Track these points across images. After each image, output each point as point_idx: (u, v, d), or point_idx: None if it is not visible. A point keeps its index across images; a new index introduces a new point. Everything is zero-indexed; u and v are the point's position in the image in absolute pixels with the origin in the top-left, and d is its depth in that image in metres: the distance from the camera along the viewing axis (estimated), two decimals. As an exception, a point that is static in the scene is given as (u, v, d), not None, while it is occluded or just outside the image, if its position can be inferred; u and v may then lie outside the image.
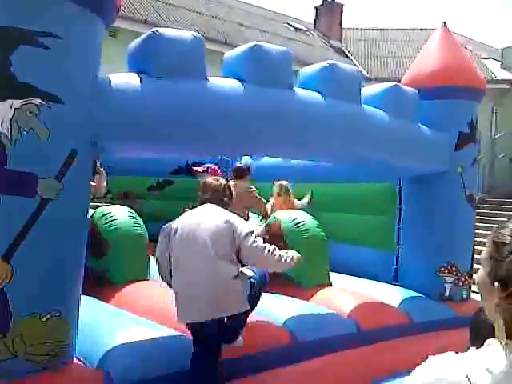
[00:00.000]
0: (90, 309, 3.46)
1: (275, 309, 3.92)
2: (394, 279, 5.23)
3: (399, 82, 4.82)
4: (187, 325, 3.05)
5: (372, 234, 5.53)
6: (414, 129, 4.63)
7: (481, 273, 1.06)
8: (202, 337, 2.98)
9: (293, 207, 5.82)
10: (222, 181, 3.31)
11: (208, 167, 5.15)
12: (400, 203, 5.24)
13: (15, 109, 2.53)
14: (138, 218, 4.73)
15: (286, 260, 3.11)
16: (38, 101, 2.57)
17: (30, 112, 2.55)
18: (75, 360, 2.94)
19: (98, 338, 3.12)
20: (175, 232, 3.02)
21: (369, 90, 4.49)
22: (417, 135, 4.64)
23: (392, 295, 4.70)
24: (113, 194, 6.53)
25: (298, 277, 4.65)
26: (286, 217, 4.90)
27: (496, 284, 0.99)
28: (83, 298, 3.02)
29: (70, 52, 2.68)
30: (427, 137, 4.74)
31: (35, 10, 2.56)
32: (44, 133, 2.59)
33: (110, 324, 3.35)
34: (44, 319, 2.66)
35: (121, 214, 4.62)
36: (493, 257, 1.02)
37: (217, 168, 5.23)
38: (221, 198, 3.19)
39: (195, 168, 5.16)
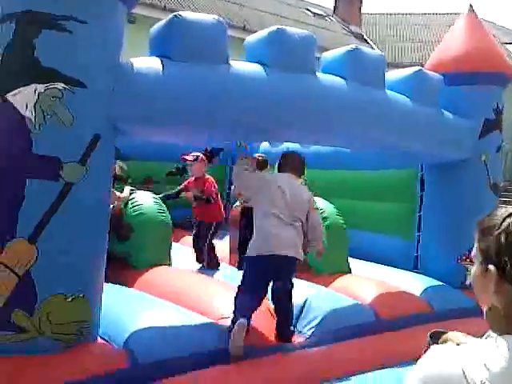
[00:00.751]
0: (114, 291, 3.52)
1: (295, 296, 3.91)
2: (415, 267, 5.19)
3: (422, 67, 4.74)
4: (268, 257, 3.35)
5: (392, 221, 5.50)
6: (438, 115, 4.56)
7: (473, 270, 1.03)
8: (278, 268, 3.38)
9: None
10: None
11: (197, 156, 5.19)
12: (421, 190, 5.19)
13: (39, 93, 2.56)
14: (163, 204, 4.78)
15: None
16: (61, 85, 2.59)
17: (54, 96, 2.58)
18: (99, 339, 2.99)
19: (122, 320, 3.17)
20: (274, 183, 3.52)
21: (392, 75, 4.42)
22: (440, 121, 4.57)
23: (412, 283, 4.67)
24: (133, 180, 6.57)
25: (317, 264, 4.65)
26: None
27: (491, 267, 0.96)
28: (107, 283, 3.07)
29: (93, 36, 2.70)
30: (451, 123, 4.67)
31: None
32: (67, 117, 2.61)
33: (133, 306, 3.40)
34: (69, 299, 2.72)
35: (146, 200, 4.69)
36: (482, 242, 1.00)
37: (204, 157, 5.31)
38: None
39: (185, 156, 5.20)
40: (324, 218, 4.70)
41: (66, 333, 2.73)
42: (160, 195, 5.14)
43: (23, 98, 2.55)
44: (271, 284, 3.46)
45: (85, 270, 2.81)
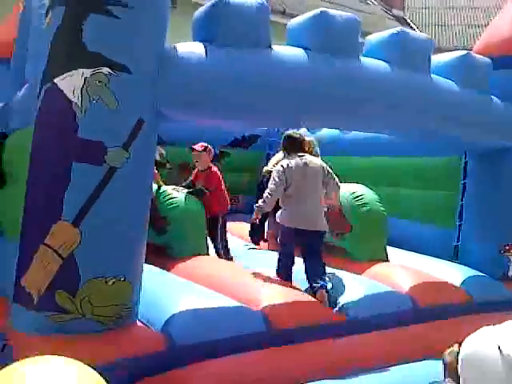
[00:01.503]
0: (153, 277, 3.57)
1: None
2: (455, 257, 5.07)
3: (470, 50, 4.57)
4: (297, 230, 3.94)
5: (433, 210, 5.36)
6: (486, 101, 4.39)
7: None
8: (308, 241, 3.97)
9: None
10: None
11: (205, 146, 5.17)
12: (464, 179, 5.03)
13: (85, 78, 2.59)
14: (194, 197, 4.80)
15: None
16: (106, 70, 2.61)
17: (100, 81, 2.61)
18: (139, 323, 3.05)
19: (162, 304, 3.21)
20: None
21: (439, 59, 4.28)
22: (488, 108, 4.40)
23: (452, 273, 4.56)
24: (171, 164, 6.63)
25: (355, 251, 4.61)
26: (345, 189, 4.82)
27: None
28: (147, 267, 3.11)
29: (138, 21, 2.70)
30: (499, 110, 4.48)
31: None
32: (112, 102, 2.64)
33: (172, 291, 3.44)
34: (110, 282, 2.77)
35: (178, 193, 4.73)
36: None
37: (211, 149, 5.24)
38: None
39: (194, 147, 5.20)
40: (364, 205, 4.65)
41: (106, 315, 2.79)
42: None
43: (70, 83, 2.59)
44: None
45: (126, 254, 2.85)
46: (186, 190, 4.89)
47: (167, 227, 4.56)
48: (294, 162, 3.96)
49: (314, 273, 3.84)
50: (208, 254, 4.66)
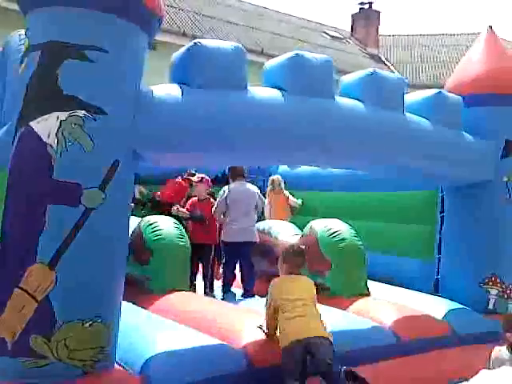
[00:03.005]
0: (131, 315, 3.52)
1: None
2: (435, 290, 5.10)
3: (442, 88, 4.72)
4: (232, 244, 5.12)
5: (412, 243, 5.43)
6: (459, 137, 4.53)
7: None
8: (242, 250, 5.12)
9: (286, 201, 6.75)
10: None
11: (202, 177, 5.42)
12: (441, 212, 5.12)
13: (61, 121, 2.62)
14: (182, 228, 4.81)
15: None
16: (82, 113, 2.65)
17: (75, 124, 2.64)
18: (116, 365, 2.99)
19: (140, 345, 3.16)
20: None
21: (411, 97, 4.42)
22: (461, 143, 4.54)
23: (433, 306, 4.58)
24: (152, 204, 6.64)
25: (335, 286, 4.60)
26: (321, 226, 4.87)
27: None
28: (124, 304, 3.07)
29: (115, 65, 2.76)
30: (472, 145, 4.62)
31: (82, 26, 2.66)
32: (88, 144, 2.66)
33: (151, 331, 3.40)
34: (86, 325, 2.72)
35: (166, 225, 4.72)
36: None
37: (208, 179, 5.68)
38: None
39: (191, 178, 5.47)
40: (341, 240, 4.68)
41: (83, 359, 2.72)
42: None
43: (46, 126, 2.61)
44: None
45: (103, 296, 2.81)
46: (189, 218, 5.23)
47: (149, 258, 4.53)
48: (233, 186, 5.15)
49: (250, 277, 5.11)
50: (188, 290, 4.65)
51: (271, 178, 6.85)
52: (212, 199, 5.49)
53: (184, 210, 5.50)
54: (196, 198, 5.55)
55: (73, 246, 2.64)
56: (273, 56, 4.03)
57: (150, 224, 4.70)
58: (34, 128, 2.63)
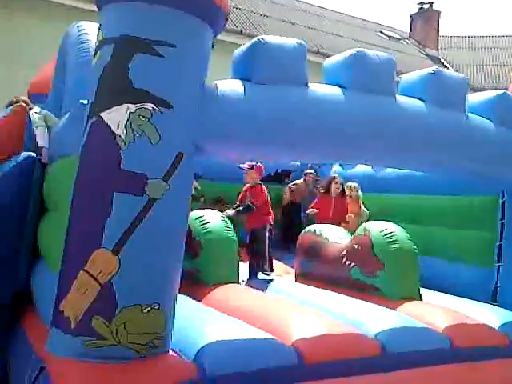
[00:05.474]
0: (182, 306, 3.61)
1: (365, 319, 3.85)
2: (493, 299, 4.93)
3: (505, 89, 4.57)
4: None
5: (469, 250, 5.26)
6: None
7: None
8: None
9: (360, 211, 6.36)
10: None
11: (253, 164, 5.42)
12: (502, 218, 4.94)
13: (130, 113, 2.72)
14: (229, 222, 4.89)
15: None
16: (150, 105, 2.74)
17: (143, 116, 2.73)
18: (171, 352, 3.07)
19: (194, 334, 3.24)
20: None
21: (474, 98, 4.30)
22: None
23: (490, 315, 4.42)
24: (205, 198, 6.76)
25: (386, 288, 4.54)
26: (376, 227, 4.81)
27: None
28: (178, 295, 3.16)
29: (182, 60, 2.84)
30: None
31: (153, 21, 2.76)
32: (155, 136, 2.75)
33: (202, 321, 3.48)
34: (145, 310, 2.81)
35: (213, 218, 4.83)
36: None
37: (261, 165, 5.62)
38: None
39: (241, 165, 5.47)
40: (395, 242, 4.61)
41: (140, 343, 2.81)
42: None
43: (116, 117, 2.72)
44: None
45: (161, 282, 2.90)
46: (233, 210, 5.19)
47: (199, 252, 4.62)
48: None
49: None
50: (238, 282, 4.70)
51: (349, 184, 6.58)
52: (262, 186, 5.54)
53: (231, 212, 5.58)
54: (248, 185, 5.65)
55: (136, 234, 2.73)
56: (329, 56, 4.02)
57: (198, 217, 4.81)
58: (105, 118, 2.75)
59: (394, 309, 4.30)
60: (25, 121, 4.13)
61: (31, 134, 4.24)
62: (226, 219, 4.93)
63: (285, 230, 7.41)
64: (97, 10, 3.03)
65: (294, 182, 7.71)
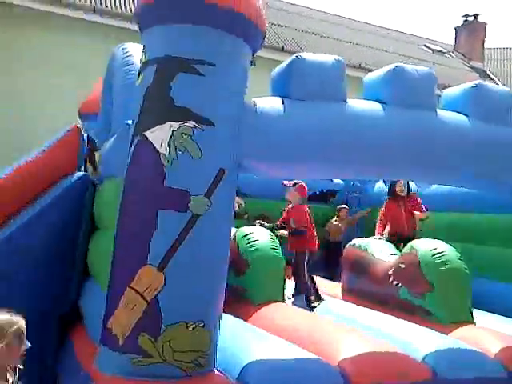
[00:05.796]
0: (226, 323, 3.59)
1: (414, 341, 3.71)
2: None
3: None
4: None
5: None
6: None
7: None
8: None
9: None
10: None
11: (295, 182, 5.25)
12: None
13: (173, 131, 2.78)
14: (277, 240, 4.86)
15: None
16: (192, 123, 2.80)
17: (186, 134, 2.79)
18: (215, 370, 3.05)
19: (237, 352, 3.22)
20: None
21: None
22: None
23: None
24: (249, 215, 6.77)
25: (436, 310, 4.35)
26: (424, 246, 4.65)
27: None
28: (223, 314, 3.15)
29: (222, 78, 2.89)
30: None
31: (193, 41, 2.83)
32: (197, 153, 2.80)
33: (247, 339, 3.46)
34: (190, 328, 2.82)
35: (261, 236, 4.81)
36: None
37: (304, 184, 5.38)
38: None
39: (284, 182, 5.31)
40: (445, 262, 4.42)
41: (185, 361, 2.81)
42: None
43: (159, 135, 2.79)
44: None
45: (206, 299, 2.91)
46: (276, 228, 5.09)
47: (246, 270, 4.61)
48: None
49: None
50: (284, 301, 4.65)
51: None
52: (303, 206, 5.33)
53: (285, 232, 5.47)
54: (291, 206, 5.53)
55: (180, 251, 2.77)
56: (370, 70, 3.99)
57: (245, 235, 4.80)
58: (149, 137, 2.82)
59: (444, 332, 4.12)
60: (79, 141, 4.28)
61: (84, 154, 4.39)
62: (274, 237, 4.89)
63: (327, 267, 7.21)
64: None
65: (328, 224, 7.45)
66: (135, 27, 3.26)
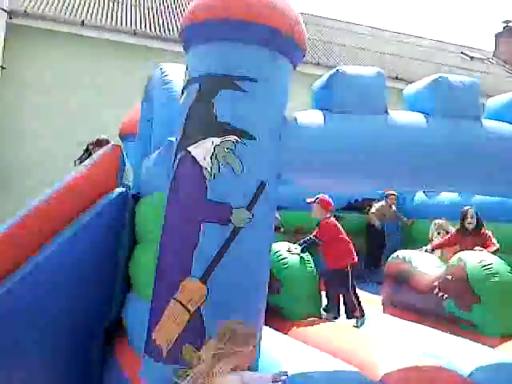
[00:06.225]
0: (269, 337, 3.59)
1: (460, 355, 3.62)
2: None
3: None
4: None
5: None
6: None
7: None
8: None
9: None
10: None
11: (317, 197, 5.06)
12: None
13: (215, 145, 2.84)
14: (308, 255, 4.83)
15: None
16: (234, 138, 2.85)
17: (227, 148, 2.85)
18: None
19: (278, 366, 3.20)
20: None
21: None
22: None
23: None
24: (285, 229, 6.76)
25: (484, 324, 4.24)
26: (472, 258, 4.54)
27: None
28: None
29: (263, 93, 2.95)
30: None
31: (236, 58, 2.90)
32: (238, 166, 2.85)
33: (288, 353, 3.44)
34: (232, 340, 2.83)
35: (291, 252, 4.76)
36: None
37: (326, 198, 5.04)
38: None
39: (307, 200, 5.15)
40: (494, 274, 4.29)
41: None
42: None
43: (202, 150, 2.86)
44: None
45: (247, 311, 2.93)
46: (301, 245, 4.92)
47: (280, 288, 4.59)
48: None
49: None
50: (320, 317, 4.62)
51: (438, 222, 6.20)
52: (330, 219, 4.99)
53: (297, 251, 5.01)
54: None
55: (222, 263, 2.81)
56: (409, 81, 3.95)
57: (276, 252, 4.72)
58: (192, 152, 2.89)
59: (491, 347, 4.00)
60: (119, 158, 4.40)
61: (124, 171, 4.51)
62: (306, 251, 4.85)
63: (367, 256, 7.22)
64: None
65: (376, 207, 7.49)
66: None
